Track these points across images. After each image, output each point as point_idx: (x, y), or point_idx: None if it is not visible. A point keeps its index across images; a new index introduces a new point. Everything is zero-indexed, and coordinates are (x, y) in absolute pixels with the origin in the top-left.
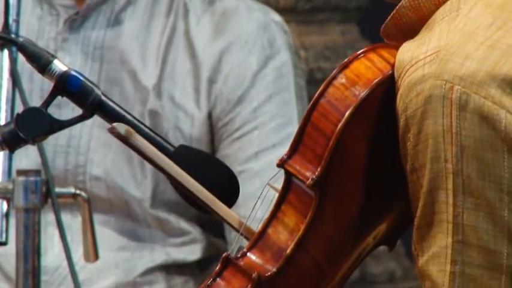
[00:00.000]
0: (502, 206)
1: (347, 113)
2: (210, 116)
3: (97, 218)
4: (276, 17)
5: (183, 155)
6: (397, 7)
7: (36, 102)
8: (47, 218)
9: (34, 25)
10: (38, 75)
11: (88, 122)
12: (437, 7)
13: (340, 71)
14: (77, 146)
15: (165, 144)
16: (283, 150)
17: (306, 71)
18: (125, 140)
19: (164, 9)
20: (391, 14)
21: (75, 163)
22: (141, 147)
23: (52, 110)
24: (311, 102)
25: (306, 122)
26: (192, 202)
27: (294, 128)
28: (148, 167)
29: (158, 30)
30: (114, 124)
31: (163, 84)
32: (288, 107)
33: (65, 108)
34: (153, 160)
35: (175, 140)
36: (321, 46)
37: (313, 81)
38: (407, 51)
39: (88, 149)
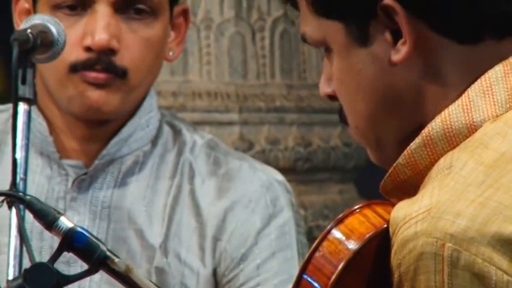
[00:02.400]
0: None
1: (340, 266)
2: (214, 272)
3: None
4: (279, 176)
5: None
6: (394, 165)
7: (45, 259)
8: None
9: (44, 185)
10: (47, 234)
11: (96, 278)
12: (432, 162)
13: (334, 226)
14: None
15: None
16: None
17: (305, 229)
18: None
19: (170, 170)
20: (389, 171)
21: None
22: (140, 283)
23: (61, 267)
24: (306, 255)
25: (301, 273)
26: None
27: None
28: None
29: (164, 191)
30: (116, 260)
31: (170, 242)
32: (290, 264)
33: (73, 265)
34: None
35: None
36: (319, 205)
37: (312, 239)
38: (401, 208)
39: None
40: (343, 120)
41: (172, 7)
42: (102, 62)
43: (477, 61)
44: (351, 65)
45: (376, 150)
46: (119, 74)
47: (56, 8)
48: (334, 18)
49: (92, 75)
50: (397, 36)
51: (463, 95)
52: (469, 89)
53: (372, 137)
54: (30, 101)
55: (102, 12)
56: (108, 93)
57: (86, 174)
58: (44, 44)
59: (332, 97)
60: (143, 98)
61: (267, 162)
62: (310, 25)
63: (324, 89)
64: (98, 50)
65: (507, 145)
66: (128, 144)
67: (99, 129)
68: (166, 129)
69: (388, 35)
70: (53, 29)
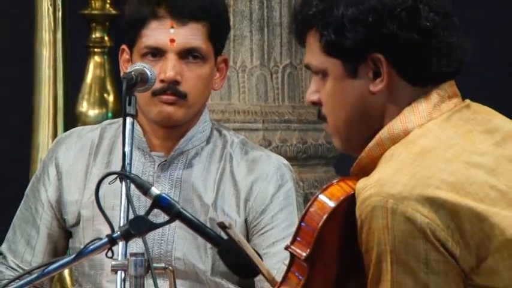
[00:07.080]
0: (419, 270)
1: (324, 216)
2: (245, 221)
3: (178, 282)
4: (285, 161)
5: (228, 242)
6: (359, 157)
7: (142, 213)
8: (148, 282)
9: (139, 167)
10: (143, 198)
11: (173, 225)
12: (381, 154)
13: (321, 192)
14: (166, 239)
15: (218, 236)
16: (289, 241)
17: (303, 195)
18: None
19: (218, 158)
20: (356, 161)
21: (165, 249)
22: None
23: (152, 218)
24: (304, 210)
25: (301, 221)
26: (236, 272)
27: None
28: (209, 250)
29: (214, 171)
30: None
31: (218, 202)
32: (292, 215)
33: (159, 217)
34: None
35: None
36: (312, 180)
37: (307, 201)
38: (361, 182)
39: (173, 241)
40: (320, 118)
41: (217, 57)
42: (171, 89)
43: (420, 96)
44: (342, 89)
45: (344, 142)
46: (182, 96)
47: (143, 56)
48: (337, 57)
49: (165, 97)
50: (376, 75)
51: (401, 113)
52: (404, 110)
53: (344, 134)
54: (133, 116)
55: (171, 59)
56: (175, 108)
57: (165, 161)
58: (142, 80)
59: (315, 103)
60: (200, 113)
61: (280, 153)
62: (317, 59)
63: (311, 97)
64: (168, 82)
65: (427, 142)
66: (192, 142)
67: (172, 132)
68: (215, 132)
69: (370, 74)
70: (148, 72)
